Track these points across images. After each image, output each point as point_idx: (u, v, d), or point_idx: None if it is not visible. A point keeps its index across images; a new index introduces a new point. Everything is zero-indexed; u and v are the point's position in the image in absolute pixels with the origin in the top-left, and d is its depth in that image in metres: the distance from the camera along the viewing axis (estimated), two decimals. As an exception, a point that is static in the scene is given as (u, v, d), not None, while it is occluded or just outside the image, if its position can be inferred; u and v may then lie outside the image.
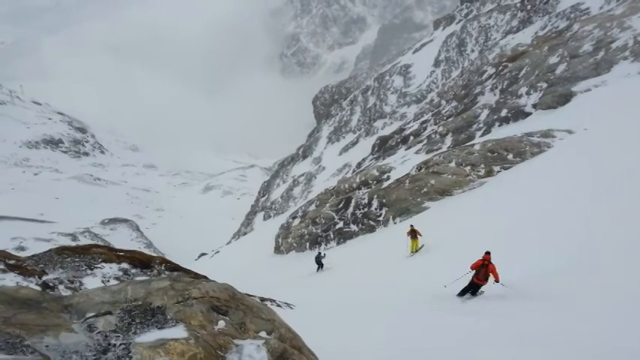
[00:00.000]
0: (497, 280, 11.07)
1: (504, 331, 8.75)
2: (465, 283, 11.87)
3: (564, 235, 13.01)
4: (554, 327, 8.33)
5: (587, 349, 7.23)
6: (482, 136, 33.56)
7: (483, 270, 11.31)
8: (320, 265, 24.60)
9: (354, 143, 78.16)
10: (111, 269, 8.87)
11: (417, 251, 19.99)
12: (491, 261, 11.26)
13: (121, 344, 4.91)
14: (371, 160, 54.09)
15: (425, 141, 40.66)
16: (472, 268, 11.55)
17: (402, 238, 22.71)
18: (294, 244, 35.96)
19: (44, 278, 7.94)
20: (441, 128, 40.19)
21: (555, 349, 7.55)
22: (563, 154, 22.17)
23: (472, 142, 31.24)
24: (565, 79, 31.42)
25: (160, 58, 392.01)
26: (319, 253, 25.30)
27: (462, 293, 11.92)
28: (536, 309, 9.35)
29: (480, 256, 11.48)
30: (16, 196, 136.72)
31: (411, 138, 47.19)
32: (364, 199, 31.95)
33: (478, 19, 69.37)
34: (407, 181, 29.31)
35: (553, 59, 34.40)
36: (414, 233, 20.30)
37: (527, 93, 33.31)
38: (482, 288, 11.70)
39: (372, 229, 29.33)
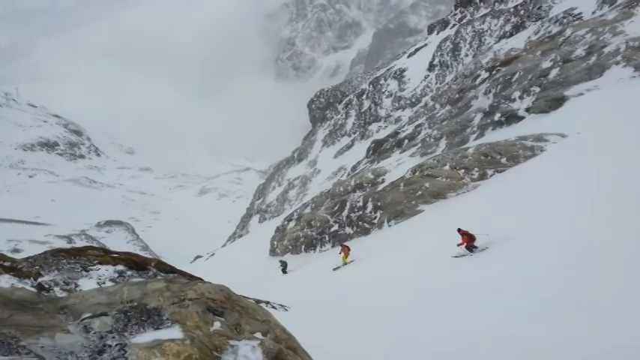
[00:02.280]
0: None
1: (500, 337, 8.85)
2: (467, 250, 16.46)
3: (556, 237, 13.13)
4: (549, 327, 8.44)
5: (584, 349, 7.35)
6: (476, 139, 33.73)
7: (466, 237, 16.34)
8: (284, 270, 29.84)
9: (349, 146, 78.32)
10: (106, 271, 8.90)
11: (346, 264, 24.05)
12: (464, 232, 16.46)
13: (116, 345, 4.96)
14: (366, 163, 54.25)
15: (419, 144, 40.82)
16: (462, 242, 16.40)
17: (397, 240, 22.92)
18: (290, 247, 35.99)
19: (40, 280, 7.97)
20: (435, 132, 40.39)
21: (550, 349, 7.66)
22: (556, 158, 22.33)
23: (466, 146, 31.38)
24: (558, 83, 31.63)
25: (156, 62, 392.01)
26: (284, 261, 30.66)
27: (471, 251, 16.31)
28: (530, 311, 9.45)
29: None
30: (12, 198, 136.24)
31: (406, 141, 47.38)
32: (359, 201, 32.04)
33: (472, 24, 69.72)
34: (401, 184, 29.44)
35: (546, 64, 34.63)
36: (345, 249, 24.71)
37: (521, 97, 33.51)
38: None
39: (366, 232, 29.42)
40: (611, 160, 17.49)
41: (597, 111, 25.32)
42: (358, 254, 24.72)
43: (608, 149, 19.00)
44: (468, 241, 16.41)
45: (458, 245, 16.51)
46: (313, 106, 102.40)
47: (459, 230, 16.69)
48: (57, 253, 9.39)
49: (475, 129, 35.56)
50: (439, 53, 73.46)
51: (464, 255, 16.42)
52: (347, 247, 25.27)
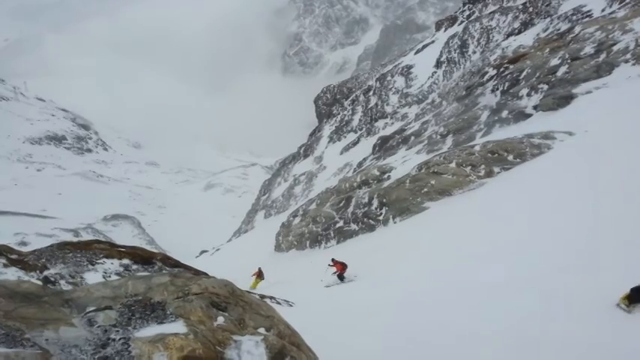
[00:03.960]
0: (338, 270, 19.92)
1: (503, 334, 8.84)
2: (336, 276, 20.03)
3: (560, 236, 13.07)
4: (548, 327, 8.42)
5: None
6: (482, 137, 33.58)
7: (339, 265, 19.68)
8: None
9: (355, 143, 78.11)
10: (112, 265, 8.92)
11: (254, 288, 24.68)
12: (337, 262, 19.92)
13: (120, 339, 4.97)
14: (372, 159, 54.14)
15: (426, 141, 40.69)
16: (337, 268, 19.73)
17: (401, 238, 22.90)
18: (295, 243, 36.05)
19: (45, 273, 8.01)
20: (441, 129, 40.23)
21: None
22: (563, 156, 22.20)
23: (473, 143, 31.25)
24: (566, 81, 31.42)
25: (164, 56, 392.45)
26: None
27: (341, 279, 19.65)
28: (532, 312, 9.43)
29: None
30: (19, 191, 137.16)
31: (412, 138, 47.23)
32: (364, 198, 32.01)
33: (480, 21, 69.24)
34: (407, 180, 29.36)
35: (554, 61, 34.39)
36: (259, 274, 25.68)
37: (528, 94, 33.31)
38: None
39: (372, 229, 29.40)
40: (619, 158, 17.37)
41: (605, 109, 25.12)
42: (362, 251, 24.72)
43: (615, 147, 18.87)
44: (341, 269, 19.50)
45: (332, 274, 19.89)
46: (319, 102, 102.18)
47: (333, 260, 19.99)
48: (63, 246, 9.43)
49: (482, 126, 35.40)
50: (447, 50, 73.03)
51: (337, 283, 19.36)
52: (260, 270, 25.84)
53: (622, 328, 7.74)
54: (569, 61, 33.17)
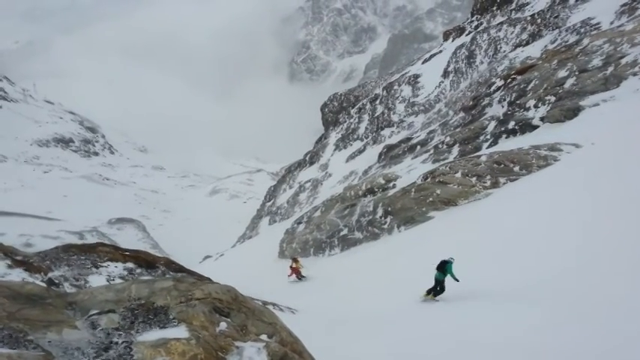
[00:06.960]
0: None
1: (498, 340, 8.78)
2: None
3: (562, 249, 13.00)
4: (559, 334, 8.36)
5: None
6: (489, 147, 33.50)
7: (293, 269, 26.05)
8: None
9: (361, 151, 78.06)
10: (116, 268, 8.95)
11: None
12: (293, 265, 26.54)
13: (122, 342, 4.98)
14: (377, 168, 54.08)
15: (431, 151, 40.61)
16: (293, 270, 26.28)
17: (406, 247, 22.86)
18: (299, 250, 35.94)
19: (50, 275, 8.04)
20: (448, 138, 40.15)
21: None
22: (570, 168, 22.12)
23: (479, 154, 31.16)
24: (573, 93, 31.33)
25: (171, 61, 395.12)
26: None
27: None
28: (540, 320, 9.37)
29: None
30: (25, 193, 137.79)
31: (418, 147, 47.17)
32: (369, 206, 31.93)
33: (488, 32, 69.29)
34: (413, 190, 29.28)
35: (562, 73, 34.32)
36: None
37: (535, 106, 33.23)
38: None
39: (376, 237, 29.29)
40: (626, 171, 17.29)
41: (613, 122, 25.03)
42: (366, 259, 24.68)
43: (622, 160, 18.79)
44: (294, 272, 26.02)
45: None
46: (326, 109, 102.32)
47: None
48: (68, 248, 9.47)
49: (488, 137, 35.32)
50: (454, 60, 73.09)
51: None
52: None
53: (622, 337, 7.69)
54: (576, 73, 33.09)
